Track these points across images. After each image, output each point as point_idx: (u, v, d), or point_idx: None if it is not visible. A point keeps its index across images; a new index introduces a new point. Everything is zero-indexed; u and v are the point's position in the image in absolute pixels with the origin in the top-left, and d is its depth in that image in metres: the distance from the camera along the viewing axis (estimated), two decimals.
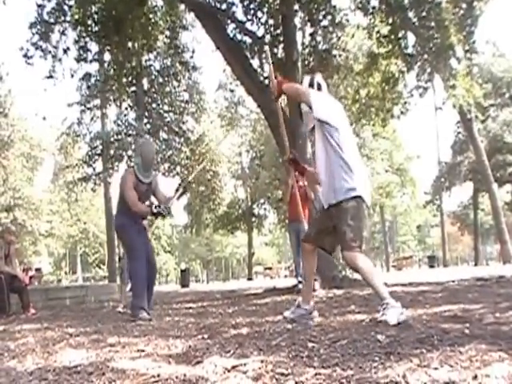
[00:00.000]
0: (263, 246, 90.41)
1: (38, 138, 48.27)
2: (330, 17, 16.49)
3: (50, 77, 17.13)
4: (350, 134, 5.56)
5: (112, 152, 29.83)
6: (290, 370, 2.99)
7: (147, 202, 7.61)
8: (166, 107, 32.57)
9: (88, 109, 31.85)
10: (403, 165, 52.49)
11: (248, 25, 16.01)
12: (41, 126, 49.56)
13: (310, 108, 5.39)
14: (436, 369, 2.76)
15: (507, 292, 7.69)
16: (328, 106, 5.42)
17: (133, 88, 29.24)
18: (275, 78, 5.54)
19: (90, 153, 31.02)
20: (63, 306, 13.08)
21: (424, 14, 15.45)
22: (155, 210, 7.33)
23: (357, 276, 15.90)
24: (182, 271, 38.36)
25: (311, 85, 5.63)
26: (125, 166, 30.01)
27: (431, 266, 46.76)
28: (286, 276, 50.42)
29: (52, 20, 16.40)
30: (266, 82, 16.00)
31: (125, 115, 31.75)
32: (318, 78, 5.76)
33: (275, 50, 15.61)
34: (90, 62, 18.21)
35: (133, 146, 28.39)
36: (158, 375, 3.13)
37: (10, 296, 10.96)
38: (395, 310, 4.83)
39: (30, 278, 20.34)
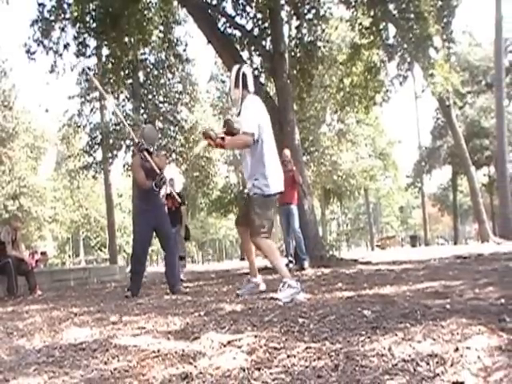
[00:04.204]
0: None
1: (41, 130, 48.02)
2: (314, 10, 16.46)
3: (52, 71, 17.10)
4: (271, 135, 5.97)
5: (111, 141, 29.73)
6: (282, 345, 3.00)
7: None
8: (161, 98, 32.51)
9: (88, 101, 31.83)
10: (386, 149, 52.32)
11: (237, 19, 16.04)
12: (44, 118, 49.75)
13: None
14: (419, 342, 2.77)
15: (485, 269, 7.72)
16: (258, 120, 5.77)
17: (129, 80, 29.09)
18: (213, 141, 5.82)
19: (90, 142, 30.95)
20: (68, 287, 13.07)
21: (404, 6, 15.42)
22: (155, 187, 7.79)
23: (343, 255, 15.84)
24: None
25: (237, 76, 5.93)
26: (123, 155, 30.17)
27: (413, 245, 46.92)
28: None
29: (52, 17, 16.33)
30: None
31: (122, 106, 31.65)
32: (245, 68, 6.06)
33: (263, 43, 15.60)
34: (89, 56, 18.06)
35: (130, 136, 28.34)
36: (158, 351, 3.14)
37: (18, 278, 11.00)
38: (292, 290, 5.30)
39: (36, 261, 20.32)
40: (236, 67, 6.07)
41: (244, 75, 5.93)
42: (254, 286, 6.32)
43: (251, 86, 5.99)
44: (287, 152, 12.07)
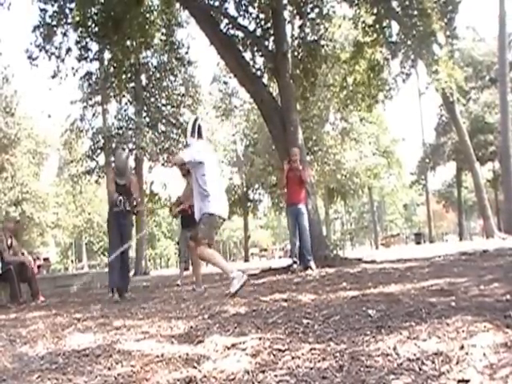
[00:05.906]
0: (258, 228, 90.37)
1: (43, 135, 47.99)
2: (317, 9, 16.49)
3: (55, 76, 17.19)
4: (214, 166, 7.49)
5: (113, 146, 29.75)
6: (287, 346, 3.00)
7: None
8: (163, 101, 32.59)
9: (90, 105, 31.85)
10: (389, 147, 52.16)
11: (240, 20, 16.04)
12: (46, 124, 49.49)
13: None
14: (425, 340, 2.77)
15: (490, 265, 7.71)
16: (196, 156, 7.14)
17: (132, 84, 29.28)
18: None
19: (92, 147, 30.98)
20: (70, 293, 13.08)
21: (407, 3, 15.46)
22: (118, 203, 8.72)
23: (347, 255, 15.95)
24: None
25: (193, 127, 7.38)
26: None
27: (418, 243, 46.89)
28: (280, 257, 50.39)
29: (54, 23, 16.38)
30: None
31: (125, 110, 31.75)
32: (200, 121, 7.60)
33: (266, 43, 15.62)
34: (91, 60, 18.19)
35: (133, 139, 28.56)
36: (162, 355, 3.14)
37: (20, 285, 10.99)
38: (237, 279, 6.67)
39: (38, 266, 20.30)
40: (193, 119, 7.66)
41: (199, 126, 7.39)
42: (197, 294, 7.71)
43: (203, 136, 7.45)
44: (296, 150, 11.98)
